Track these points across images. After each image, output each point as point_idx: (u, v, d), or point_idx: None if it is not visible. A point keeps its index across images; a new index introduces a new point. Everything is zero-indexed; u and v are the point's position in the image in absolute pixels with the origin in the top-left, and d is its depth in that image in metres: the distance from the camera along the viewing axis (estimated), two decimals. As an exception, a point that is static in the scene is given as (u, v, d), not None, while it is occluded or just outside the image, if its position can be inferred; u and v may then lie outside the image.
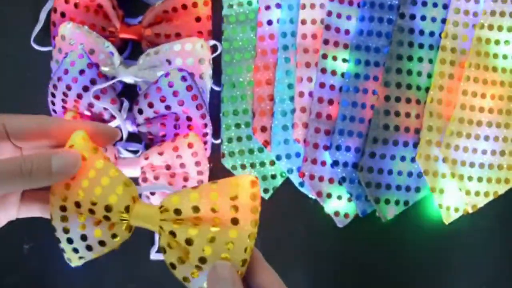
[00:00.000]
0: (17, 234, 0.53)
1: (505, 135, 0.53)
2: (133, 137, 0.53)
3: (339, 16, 0.53)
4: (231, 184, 0.35)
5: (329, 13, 0.53)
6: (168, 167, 0.51)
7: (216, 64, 0.53)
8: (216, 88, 0.54)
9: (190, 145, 0.50)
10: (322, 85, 0.53)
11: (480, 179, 0.53)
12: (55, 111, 0.52)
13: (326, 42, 0.53)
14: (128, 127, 0.52)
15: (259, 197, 0.35)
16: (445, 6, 0.53)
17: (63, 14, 0.53)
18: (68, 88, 0.50)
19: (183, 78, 0.50)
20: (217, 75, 0.54)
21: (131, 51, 0.55)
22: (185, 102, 0.50)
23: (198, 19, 0.52)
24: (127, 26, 0.53)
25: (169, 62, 0.51)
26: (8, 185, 0.32)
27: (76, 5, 0.53)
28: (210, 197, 0.34)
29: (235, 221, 0.34)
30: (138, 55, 0.53)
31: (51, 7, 0.54)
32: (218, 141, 0.54)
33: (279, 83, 0.53)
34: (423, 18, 0.53)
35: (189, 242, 0.34)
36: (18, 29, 0.56)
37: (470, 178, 0.53)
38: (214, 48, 0.53)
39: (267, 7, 0.54)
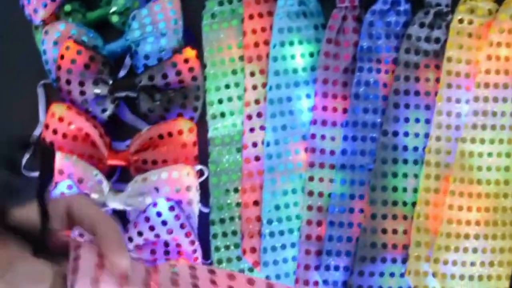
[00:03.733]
0: None
1: (493, 246, 0.54)
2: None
3: (323, 138, 0.54)
4: None
5: (313, 136, 0.54)
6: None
7: (204, 186, 0.54)
8: (205, 210, 0.54)
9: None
10: (310, 208, 0.53)
11: (470, 292, 0.53)
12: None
13: (311, 164, 0.53)
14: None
15: None
16: (428, 121, 0.54)
17: (51, 144, 0.54)
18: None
19: (171, 208, 0.51)
20: (205, 197, 0.54)
21: (120, 175, 0.56)
22: (174, 230, 0.51)
23: (184, 146, 0.53)
24: (115, 153, 0.54)
25: (157, 189, 0.52)
26: None
27: (64, 135, 0.54)
28: None
29: None
30: (127, 179, 0.54)
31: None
32: (208, 263, 0.54)
33: (266, 204, 0.53)
34: (406, 134, 0.54)
35: None
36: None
37: (460, 292, 0.53)
38: (201, 172, 0.54)
39: (252, 130, 0.55)
